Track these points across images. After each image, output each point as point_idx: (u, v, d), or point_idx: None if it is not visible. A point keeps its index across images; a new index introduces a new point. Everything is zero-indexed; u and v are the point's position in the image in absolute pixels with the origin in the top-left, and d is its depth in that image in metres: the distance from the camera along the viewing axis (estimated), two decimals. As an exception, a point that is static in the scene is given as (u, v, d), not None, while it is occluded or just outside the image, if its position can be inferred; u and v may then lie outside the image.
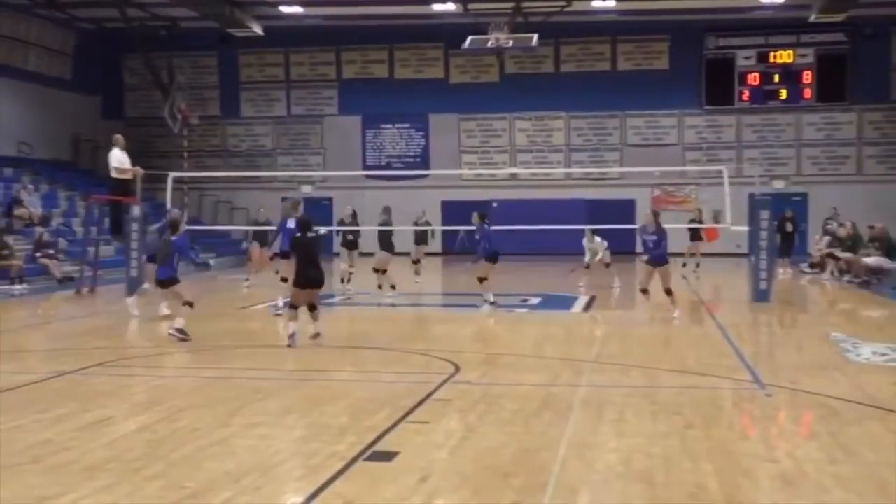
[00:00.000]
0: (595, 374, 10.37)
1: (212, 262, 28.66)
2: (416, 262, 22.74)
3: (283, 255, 15.04)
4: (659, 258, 15.23)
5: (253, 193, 31.50)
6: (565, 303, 17.90)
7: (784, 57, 31.80)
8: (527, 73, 32.90)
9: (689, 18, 30.65)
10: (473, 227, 17.40)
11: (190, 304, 12.69)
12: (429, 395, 8.81)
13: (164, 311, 14.77)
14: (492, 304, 16.52)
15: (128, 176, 20.65)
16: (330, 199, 32.20)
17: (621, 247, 23.77)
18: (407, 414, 8.02)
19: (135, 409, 8.55)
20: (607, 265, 21.50)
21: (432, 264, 22.74)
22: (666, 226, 15.81)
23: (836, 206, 27.75)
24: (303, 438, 7.27)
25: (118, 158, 21.06)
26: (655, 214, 15.68)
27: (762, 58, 31.90)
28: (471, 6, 28.71)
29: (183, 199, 29.62)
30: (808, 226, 29.40)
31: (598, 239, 21.47)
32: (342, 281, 19.41)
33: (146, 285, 15.92)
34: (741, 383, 9.57)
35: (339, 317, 16.34)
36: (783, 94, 31.80)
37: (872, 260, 21.41)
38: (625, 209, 29.90)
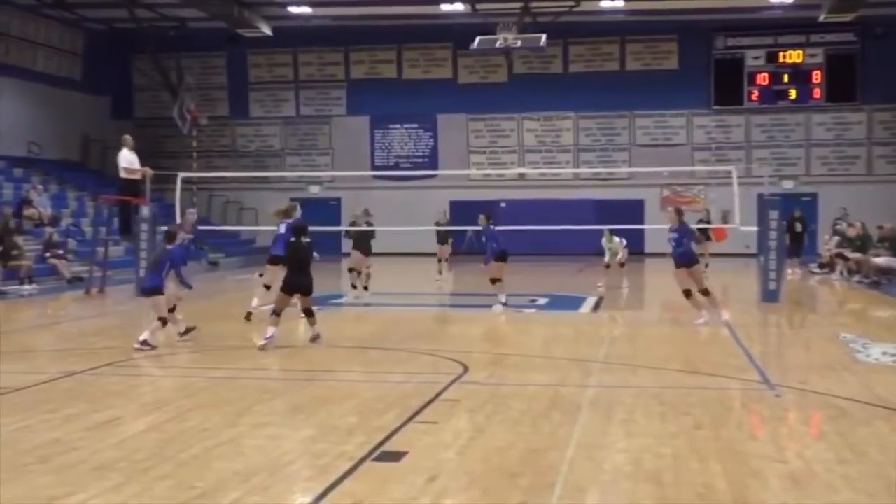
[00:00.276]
0: (604, 375, 10.35)
1: (220, 261, 28.71)
2: (440, 261, 22.96)
3: (273, 260, 14.57)
4: (681, 257, 14.39)
5: (262, 194, 31.57)
6: (574, 303, 17.87)
7: (793, 57, 31.75)
8: (535, 73, 32.89)
9: (697, 18, 30.63)
10: (480, 228, 17.43)
11: (163, 322, 12.02)
12: (437, 396, 8.81)
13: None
14: (504, 304, 16.50)
15: (137, 176, 20.75)
16: (338, 200, 32.25)
17: (631, 247, 23.70)
18: (415, 414, 8.01)
19: (144, 408, 8.57)
20: (622, 265, 21.45)
21: (435, 265, 22.69)
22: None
23: (845, 207, 27.71)
24: (311, 438, 7.26)
25: (127, 159, 21.16)
26: (679, 213, 14.82)
27: (771, 58, 31.86)
28: (479, 6, 28.72)
29: (192, 200, 29.68)
30: (817, 226, 29.35)
31: (616, 238, 21.33)
32: (358, 285, 18.67)
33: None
34: (750, 384, 9.54)
35: (345, 317, 16.35)
36: (792, 94, 31.76)
37: (882, 260, 21.36)
38: (633, 209, 29.94)
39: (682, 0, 28.82)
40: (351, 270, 18.50)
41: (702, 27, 31.32)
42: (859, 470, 6.35)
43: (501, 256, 16.65)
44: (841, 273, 22.90)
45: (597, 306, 17.48)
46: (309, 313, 12.27)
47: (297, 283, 12.10)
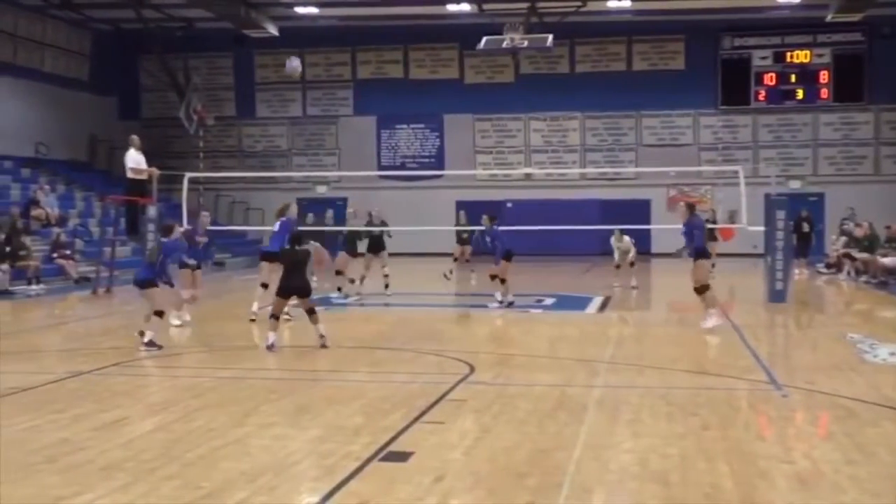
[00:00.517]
0: (610, 375, 10.35)
1: (226, 262, 28.74)
2: (456, 259, 22.69)
3: (266, 256, 14.55)
4: (691, 252, 14.14)
5: (268, 194, 31.52)
6: (580, 303, 17.84)
7: (801, 57, 31.67)
8: (542, 73, 32.86)
9: (704, 18, 30.57)
10: (483, 228, 17.51)
11: (160, 314, 11.95)
12: (443, 396, 8.81)
13: (174, 321, 13.86)
14: (500, 302, 16.53)
15: (144, 176, 20.79)
16: (345, 200, 32.19)
17: (638, 247, 23.62)
18: (422, 414, 8.02)
19: (151, 408, 8.59)
20: (632, 264, 21.41)
21: (444, 265, 22.65)
22: (677, 226, 14.75)
23: (852, 207, 27.64)
24: (318, 438, 7.27)
25: (134, 159, 21.22)
26: (690, 207, 14.64)
27: (778, 58, 31.78)
28: (486, 6, 28.71)
29: (198, 200, 29.70)
30: (824, 226, 29.27)
31: (626, 238, 21.30)
32: (343, 287, 18.76)
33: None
34: (757, 384, 9.53)
35: (351, 317, 16.36)
36: (800, 94, 31.67)
37: (889, 260, 21.31)
38: (640, 209, 29.88)
39: (688, 0, 28.78)
40: (338, 273, 18.56)
41: (709, 27, 31.27)
42: (867, 470, 6.34)
43: (506, 256, 16.73)
44: (848, 273, 22.85)
45: (603, 306, 17.46)
46: (311, 312, 12.26)
47: (292, 286, 12.08)
